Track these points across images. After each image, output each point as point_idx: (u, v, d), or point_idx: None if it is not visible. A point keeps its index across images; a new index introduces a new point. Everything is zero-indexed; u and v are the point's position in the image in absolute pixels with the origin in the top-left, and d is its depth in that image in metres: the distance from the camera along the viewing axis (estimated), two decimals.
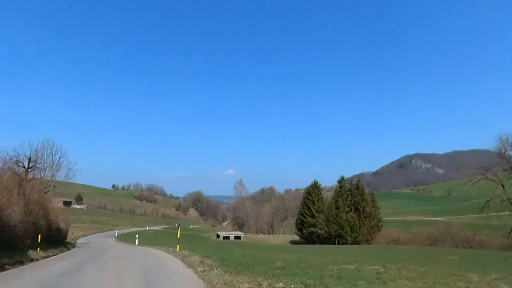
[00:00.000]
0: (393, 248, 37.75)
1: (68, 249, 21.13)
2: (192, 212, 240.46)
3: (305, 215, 63.20)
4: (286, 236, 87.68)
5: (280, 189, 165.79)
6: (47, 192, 22.98)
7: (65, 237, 25.30)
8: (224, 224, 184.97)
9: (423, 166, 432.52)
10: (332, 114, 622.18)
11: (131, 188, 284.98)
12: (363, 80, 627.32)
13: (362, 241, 56.23)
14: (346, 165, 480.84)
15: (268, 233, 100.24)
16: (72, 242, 29.65)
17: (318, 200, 63.47)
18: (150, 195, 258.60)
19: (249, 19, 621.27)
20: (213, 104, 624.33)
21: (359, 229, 56.75)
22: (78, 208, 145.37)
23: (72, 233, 31.37)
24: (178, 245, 12.68)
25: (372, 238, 57.03)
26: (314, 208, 62.62)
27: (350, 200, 60.92)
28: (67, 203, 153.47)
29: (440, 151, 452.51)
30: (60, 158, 26.14)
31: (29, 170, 22.89)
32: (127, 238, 39.42)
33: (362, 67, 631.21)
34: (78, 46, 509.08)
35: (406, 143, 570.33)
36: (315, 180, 66.07)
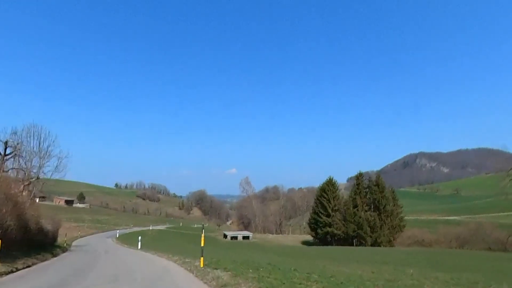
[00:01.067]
0: (434, 252, 33.09)
1: (54, 255, 16.96)
2: (196, 211, 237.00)
3: (320, 214, 58.75)
4: (295, 236, 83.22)
5: (283, 188, 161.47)
6: (28, 184, 18.81)
7: (54, 239, 21.13)
8: (228, 223, 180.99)
9: (427, 164, 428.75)
10: (336, 113, 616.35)
11: (134, 187, 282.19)
12: (367, 80, 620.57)
13: (384, 242, 51.73)
14: (350, 164, 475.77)
15: (276, 232, 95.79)
16: (65, 245, 25.58)
17: (333, 198, 58.97)
18: (153, 194, 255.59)
19: (257, 20, 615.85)
20: (216, 103, 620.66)
21: (380, 229, 52.21)
22: (81, 207, 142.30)
23: (66, 235, 27.21)
24: (201, 259, 8.37)
25: (394, 239, 52.50)
26: (329, 207, 58.16)
27: (369, 198, 56.37)
28: (69, 202, 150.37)
29: (444, 150, 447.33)
30: (49, 146, 21.92)
31: (7, 157, 18.76)
32: (129, 239, 35.25)
33: (366, 66, 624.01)
34: (79, 40, 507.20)
35: (410, 141, 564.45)
36: (330, 176, 61.66)
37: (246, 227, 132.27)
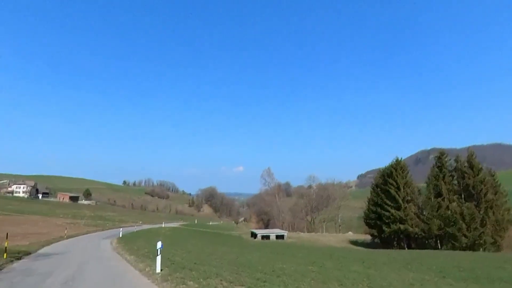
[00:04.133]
0: None
1: None
2: (206, 208, 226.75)
3: (386, 206, 44.39)
4: (337, 235, 69.14)
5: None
6: None
7: None
8: (240, 220, 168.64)
9: None
10: (345, 109, 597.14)
11: (143, 184, 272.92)
12: (377, 75, 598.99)
13: (487, 243, 37.13)
14: (358, 162, 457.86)
15: (308, 230, 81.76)
16: (4, 256, 12.13)
17: (404, 186, 44.51)
18: (162, 191, 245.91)
19: (264, 24, 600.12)
20: (221, 103, 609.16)
21: (480, 227, 37.61)
22: (86, 204, 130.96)
23: (7, 236, 13.62)
24: None
25: (502, 240, 37.84)
26: (400, 197, 43.73)
27: (457, 184, 41.83)
28: (74, 198, 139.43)
29: (458, 145, 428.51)
30: None
31: None
32: (135, 242, 21.71)
33: (377, 60, 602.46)
34: (83, 39, 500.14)
35: (422, 137, 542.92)
36: (396, 157, 47.24)
37: (266, 225, 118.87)
